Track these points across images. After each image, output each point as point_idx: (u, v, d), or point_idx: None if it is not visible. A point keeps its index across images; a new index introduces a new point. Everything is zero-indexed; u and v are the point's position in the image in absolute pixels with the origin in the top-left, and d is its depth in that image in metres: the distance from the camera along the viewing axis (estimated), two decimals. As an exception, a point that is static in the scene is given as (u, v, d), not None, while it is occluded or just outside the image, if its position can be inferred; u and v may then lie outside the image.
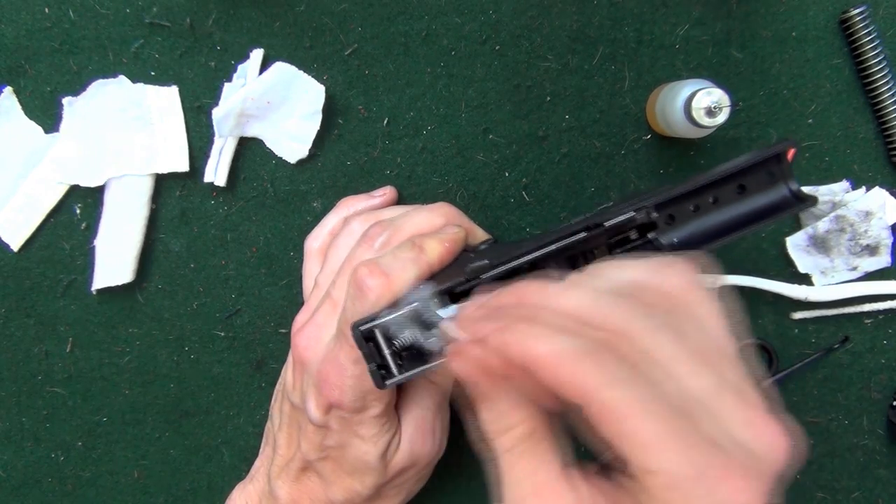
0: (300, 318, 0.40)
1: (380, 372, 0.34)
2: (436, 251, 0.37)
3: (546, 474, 0.26)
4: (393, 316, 0.34)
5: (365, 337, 0.34)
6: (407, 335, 0.34)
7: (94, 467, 0.49)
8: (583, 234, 0.33)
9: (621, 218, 0.33)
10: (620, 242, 0.36)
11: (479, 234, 0.41)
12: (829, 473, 0.49)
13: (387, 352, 0.34)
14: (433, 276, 0.37)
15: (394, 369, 0.34)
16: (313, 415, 0.37)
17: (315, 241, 0.44)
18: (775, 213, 0.35)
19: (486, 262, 0.34)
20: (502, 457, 0.27)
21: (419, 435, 0.40)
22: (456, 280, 0.34)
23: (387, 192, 0.46)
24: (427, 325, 0.34)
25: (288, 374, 0.41)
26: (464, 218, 0.41)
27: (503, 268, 0.34)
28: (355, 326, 0.34)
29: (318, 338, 0.38)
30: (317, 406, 0.37)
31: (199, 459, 0.49)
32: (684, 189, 0.34)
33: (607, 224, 0.33)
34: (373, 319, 0.34)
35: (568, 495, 0.26)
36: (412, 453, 0.40)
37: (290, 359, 0.43)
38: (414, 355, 0.35)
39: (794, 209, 0.35)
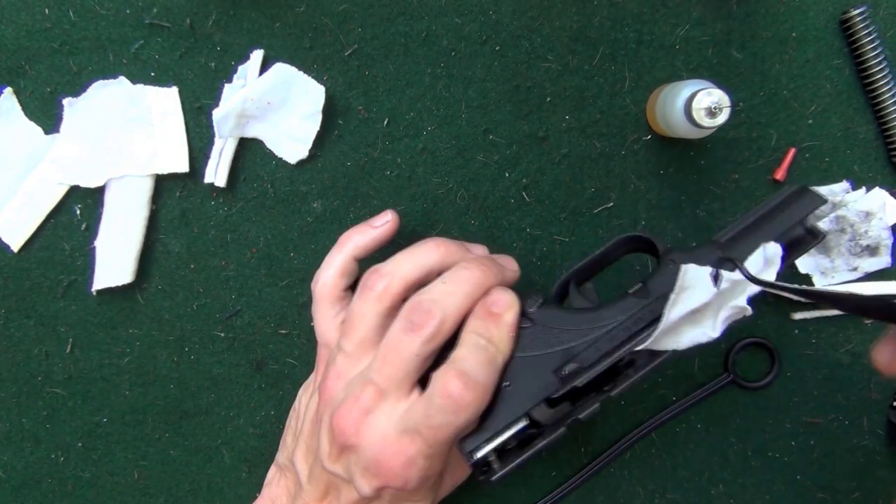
0: (331, 386, 0.39)
1: (483, 470, 0.35)
2: (507, 346, 0.37)
3: None
4: (505, 437, 0.35)
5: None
6: (511, 440, 0.36)
7: (94, 468, 0.49)
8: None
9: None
10: None
11: (509, 276, 0.41)
12: (829, 473, 0.49)
13: (493, 457, 0.35)
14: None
15: (496, 466, 0.35)
16: (365, 492, 0.37)
17: (326, 284, 0.42)
18: (794, 253, 0.37)
19: (577, 366, 0.35)
20: None
21: (457, 466, 0.42)
22: (551, 388, 0.36)
23: (389, 220, 0.42)
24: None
25: (323, 442, 0.39)
26: (490, 267, 0.39)
27: (597, 370, 0.35)
28: (468, 453, 0.35)
29: (368, 424, 0.37)
30: (370, 486, 0.37)
31: (199, 460, 0.49)
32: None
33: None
34: (484, 442, 0.35)
35: None
36: (454, 484, 0.42)
37: (306, 405, 0.43)
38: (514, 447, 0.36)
39: (811, 245, 0.37)
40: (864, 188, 0.47)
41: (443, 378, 0.35)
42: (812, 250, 0.47)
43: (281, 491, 0.43)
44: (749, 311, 0.35)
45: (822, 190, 0.47)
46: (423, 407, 0.36)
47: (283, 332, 0.48)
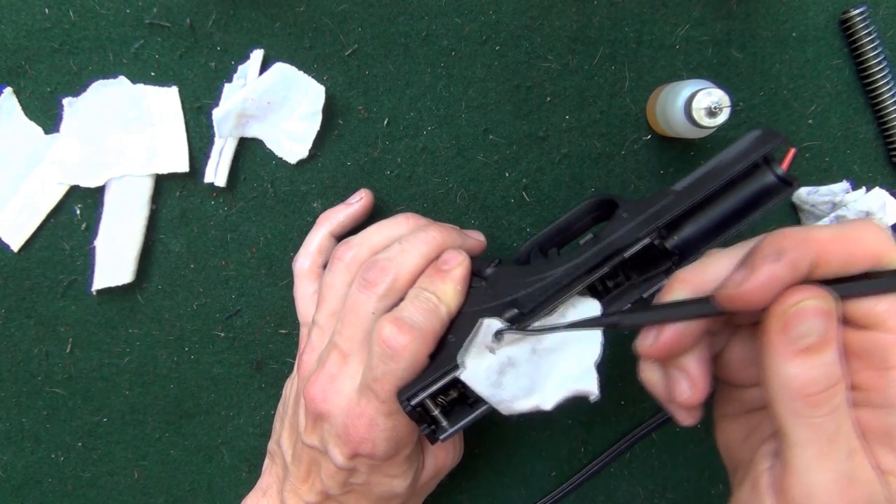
0: (306, 360, 0.40)
1: (430, 428, 0.35)
2: (453, 298, 0.37)
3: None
4: (441, 385, 0.34)
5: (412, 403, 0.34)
6: (452, 391, 0.35)
7: (94, 468, 0.49)
8: (606, 269, 0.34)
9: (638, 247, 0.34)
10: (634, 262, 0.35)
11: (470, 243, 0.41)
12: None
13: (436, 412, 0.35)
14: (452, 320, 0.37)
15: (444, 423, 0.35)
16: (339, 462, 0.37)
17: (304, 261, 0.44)
18: (765, 201, 0.35)
19: (516, 312, 0.35)
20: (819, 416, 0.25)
21: (441, 450, 0.41)
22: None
23: (363, 196, 0.45)
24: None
25: (300, 417, 0.40)
26: (449, 232, 0.40)
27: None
28: (404, 400, 0.34)
29: (335, 390, 0.37)
30: (342, 454, 0.37)
31: (199, 460, 0.49)
32: (690, 205, 0.34)
33: (627, 255, 0.34)
34: (421, 390, 0.34)
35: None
36: (437, 468, 0.41)
37: (290, 388, 0.43)
38: (458, 400, 0.35)
39: (784, 194, 0.34)
40: (864, 188, 0.47)
41: (378, 325, 0.35)
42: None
43: (272, 479, 0.43)
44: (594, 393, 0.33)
45: (823, 190, 0.47)
46: (367, 361, 0.36)
47: (283, 331, 0.48)
